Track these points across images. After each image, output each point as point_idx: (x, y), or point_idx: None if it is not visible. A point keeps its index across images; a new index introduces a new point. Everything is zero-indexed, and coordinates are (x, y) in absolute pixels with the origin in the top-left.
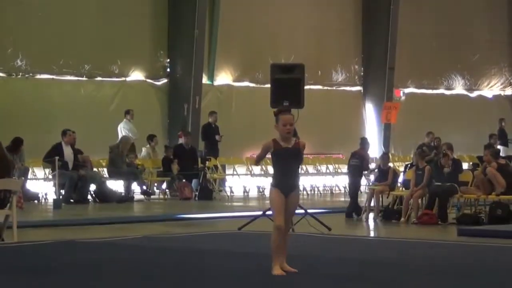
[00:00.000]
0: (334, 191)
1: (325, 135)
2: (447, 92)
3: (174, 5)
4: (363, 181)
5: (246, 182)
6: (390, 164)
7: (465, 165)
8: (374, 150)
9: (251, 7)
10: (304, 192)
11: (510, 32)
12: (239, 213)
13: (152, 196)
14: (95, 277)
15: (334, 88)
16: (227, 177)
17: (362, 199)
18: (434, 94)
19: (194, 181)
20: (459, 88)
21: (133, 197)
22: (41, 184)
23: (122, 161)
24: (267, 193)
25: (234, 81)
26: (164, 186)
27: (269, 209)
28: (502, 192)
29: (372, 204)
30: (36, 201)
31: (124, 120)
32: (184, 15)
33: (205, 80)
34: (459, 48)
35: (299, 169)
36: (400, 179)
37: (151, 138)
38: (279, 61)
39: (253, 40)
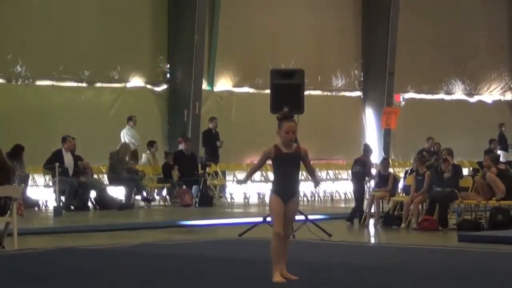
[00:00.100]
0: (334, 197)
1: (325, 140)
2: (447, 97)
3: (174, 11)
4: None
5: (246, 188)
6: (390, 170)
7: (465, 171)
8: (374, 156)
9: (251, 13)
10: (304, 198)
11: (509, 37)
12: (239, 220)
13: (152, 203)
14: (95, 284)
15: (334, 93)
16: (227, 183)
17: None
18: (434, 99)
19: (194, 188)
20: (459, 93)
21: (134, 204)
22: (42, 191)
23: (122, 167)
24: (267, 199)
25: (234, 86)
26: (164, 192)
27: (269, 216)
28: (503, 198)
29: (372, 210)
30: (36, 208)
31: (127, 126)
32: (184, 21)
33: (205, 86)
34: (459, 53)
35: (300, 175)
36: (400, 185)
37: (151, 144)
38: (279, 67)
39: (253, 46)
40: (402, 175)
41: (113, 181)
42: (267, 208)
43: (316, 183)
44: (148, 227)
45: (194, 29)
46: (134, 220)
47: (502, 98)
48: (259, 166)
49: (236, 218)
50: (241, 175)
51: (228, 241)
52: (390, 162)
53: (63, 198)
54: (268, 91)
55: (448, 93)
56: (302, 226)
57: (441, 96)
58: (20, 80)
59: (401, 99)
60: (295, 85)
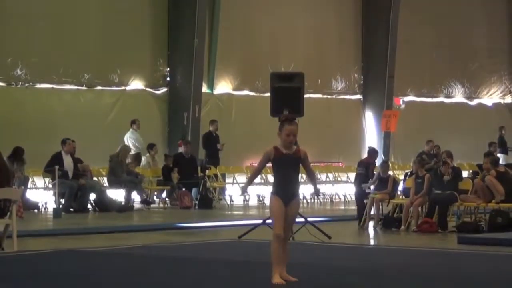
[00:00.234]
0: (334, 200)
1: (325, 143)
2: (447, 100)
3: (174, 14)
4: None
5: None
6: (390, 172)
7: (464, 173)
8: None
9: (251, 16)
10: (304, 201)
11: (509, 40)
12: (239, 222)
13: (152, 205)
14: (95, 286)
15: (334, 96)
16: (227, 185)
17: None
18: (434, 102)
19: (194, 190)
20: (458, 96)
21: (133, 206)
22: (41, 193)
23: (122, 170)
24: (267, 201)
25: (234, 89)
26: (164, 195)
27: (269, 218)
28: (502, 200)
29: (372, 212)
30: (36, 210)
31: (130, 130)
32: (183, 24)
33: (205, 89)
34: (459, 56)
35: (300, 177)
36: (400, 187)
37: (150, 147)
38: (279, 70)
39: (253, 49)
40: (401, 177)
41: (113, 183)
42: (267, 210)
43: (316, 191)
44: (147, 229)
45: (194, 32)
46: (134, 222)
47: (502, 101)
48: (259, 170)
49: (235, 220)
50: (241, 178)
51: (227, 243)
52: (390, 164)
53: (62, 200)
54: (268, 94)
55: (448, 96)
56: (302, 228)
57: (441, 99)
58: (20, 83)
59: (401, 102)
60: (295, 88)
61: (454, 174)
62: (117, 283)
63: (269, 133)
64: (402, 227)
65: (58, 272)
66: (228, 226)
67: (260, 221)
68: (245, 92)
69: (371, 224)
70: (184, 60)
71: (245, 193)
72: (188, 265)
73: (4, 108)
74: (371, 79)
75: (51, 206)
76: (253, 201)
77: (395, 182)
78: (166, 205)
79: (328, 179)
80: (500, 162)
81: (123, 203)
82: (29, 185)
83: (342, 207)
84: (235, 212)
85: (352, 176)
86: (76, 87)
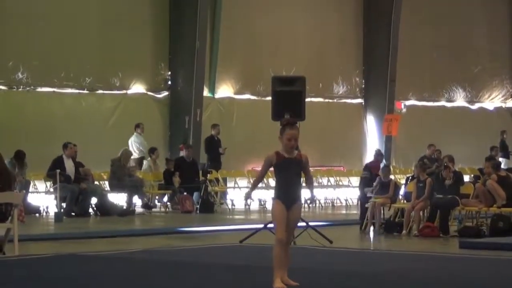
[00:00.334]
0: (335, 204)
1: (326, 147)
2: (448, 104)
3: (175, 18)
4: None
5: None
6: (391, 177)
7: (466, 178)
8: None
9: (252, 20)
10: (305, 205)
11: (511, 44)
12: (240, 226)
13: (153, 209)
14: None
15: (335, 100)
16: (228, 190)
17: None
18: (435, 106)
19: (195, 194)
20: (460, 100)
21: (134, 210)
22: (42, 197)
23: (124, 174)
24: (268, 205)
25: (235, 93)
26: (165, 199)
27: (270, 222)
28: (504, 205)
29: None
30: (37, 215)
31: (135, 133)
32: (185, 27)
33: (206, 92)
34: (460, 60)
35: (301, 182)
36: (402, 191)
37: (152, 151)
38: (280, 74)
39: (254, 53)
40: (403, 181)
41: (115, 187)
42: (268, 214)
43: (312, 197)
44: (149, 234)
45: (195, 36)
46: (135, 227)
47: (503, 105)
48: (262, 175)
49: (237, 224)
50: (242, 182)
51: (229, 247)
52: (392, 169)
53: (64, 204)
54: (269, 98)
55: (450, 100)
56: (303, 232)
57: (442, 103)
58: (21, 87)
59: (402, 106)
60: (296, 92)
61: (455, 179)
62: (118, 287)
63: (271, 137)
64: (404, 231)
65: (59, 277)
66: (230, 231)
67: (262, 226)
68: (247, 96)
69: (372, 228)
70: (185, 64)
71: (249, 198)
72: (189, 269)
73: (5, 112)
74: (372, 83)
75: (53, 210)
76: (254, 206)
77: (397, 186)
78: (167, 209)
79: (329, 183)
80: (502, 166)
81: (124, 207)
82: (31, 189)
83: (344, 212)
84: (237, 217)
85: (353, 180)
86: (77, 91)
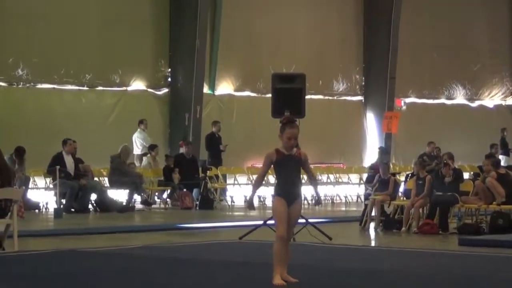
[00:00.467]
0: (335, 201)
1: (326, 144)
2: (448, 102)
3: (176, 15)
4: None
5: (247, 191)
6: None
7: (466, 175)
8: (374, 160)
9: (252, 17)
10: (305, 202)
11: (511, 42)
12: (240, 223)
13: (152, 206)
14: (95, 287)
15: (335, 97)
16: (228, 186)
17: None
18: (435, 103)
19: (195, 191)
20: (460, 97)
21: (134, 206)
22: (42, 194)
23: (123, 170)
24: (268, 202)
25: (235, 90)
26: (165, 195)
27: (270, 219)
28: (503, 202)
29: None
30: (37, 211)
31: (138, 130)
32: (185, 24)
33: (206, 89)
34: (460, 57)
35: (301, 179)
36: (401, 188)
37: (151, 147)
38: (280, 71)
39: (254, 50)
40: (402, 179)
41: (115, 183)
42: (268, 211)
43: (318, 200)
44: (148, 230)
45: (196, 33)
46: (135, 223)
47: (503, 103)
48: (263, 175)
49: (236, 221)
50: (241, 179)
51: (228, 244)
52: (391, 166)
53: (63, 200)
54: (269, 95)
55: (449, 97)
56: (303, 229)
57: (442, 100)
58: (21, 83)
59: (402, 104)
60: (296, 89)
61: (455, 176)
62: (118, 283)
63: (270, 134)
64: (403, 228)
65: (59, 272)
66: (229, 227)
67: (261, 222)
68: (246, 93)
69: (372, 225)
70: (185, 61)
71: (252, 208)
72: (188, 265)
73: (5, 108)
74: (372, 80)
75: (52, 206)
76: (254, 202)
77: (396, 183)
78: (167, 206)
79: (329, 180)
80: (502, 163)
81: (124, 204)
82: (30, 185)
83: (343, 208)
84: (236, 213)
85: (353, 177)
86: (77, 88)
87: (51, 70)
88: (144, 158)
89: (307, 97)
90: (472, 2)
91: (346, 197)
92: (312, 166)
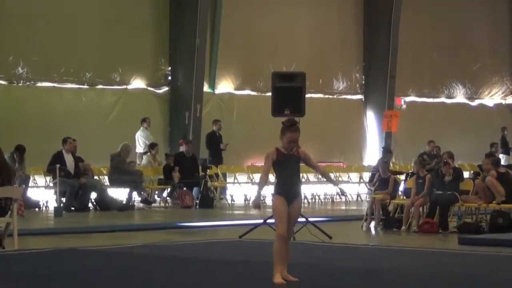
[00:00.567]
0: (335, 200)
1: (326, 143)
2: (448, 101)
3: (176, 13)
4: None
5: (247, 190)
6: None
7: (466, 174)
8: (375, 159)
9: (252, 16)
10: (305, 201)
11: (511, 41)
12: (240, 221)
13: (152, 204)
14: (95, 285)
15: (335, 96)
16: (228, 185)
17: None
18: (435, 102)
19: (195, 189)
20: (460, 96)
21: (134, 205)
22: (42, 192)
23: (124, 168)
24: (267, 201)
25: (235, 89)
26: (165, 194)
27: (270, 217)
28: (503, 201)
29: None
30: (37, 209)
31: (141, 128)
32: (185, 23)
33: (206, 88)
34: (460, 56)
35: (301, 178)
36: (401, 187)
37: (152, 146)
38: (280, 70)
39: (254, 49)
40: (403, 177)
41: (115, 182)
42: (268, 210)
43: (341, 190)
44: (148, 229)
45: (196, 31)
46: (135, 222)
47: (503, 102)
48: (266, 174)
49: (236, 220)
50: (241, 177)
51: (228, 242)
52: (391, 165)
53: (63, 199)
54: (269, 94)
55: (449, 96)
56: (303, 228)
57: (442, 99)
58: (22, 81)
59: (402, 102)
60: (296, 88)
61: (455, 175)
62: (118, 282)
63: (271, 133)
64: (403, 227)
65: (59, 271)
66: (229, 226)
67: (261, 221)
68: (247, 92)
69: (372, 224)
70: (185, 59)
71: (258, 208)
72: (188, 264)
73: (5, 107)
74: (372, 79)
75: (52, 204)
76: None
77: (396, 182)
78: (167, 204)
79: None
80: (502, 162)
81: (124, 202)
82: (30, 183)
83: (343, 207)
84: (236, 212)
85: (353, 176)
86: (77, 86)
87: (51, 68)
88: (144, 157)
89: (307, 95)
90: (472, 2)
91: (346, 195)
92: (316, 162)
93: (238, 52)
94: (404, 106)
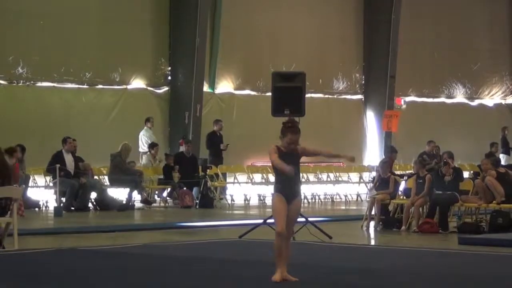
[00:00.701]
0: (335, 200)
1: (326, 143)
2: (448, 101)
3: (176, 13)
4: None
5: (247, 190)
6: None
7: (465, 174)
8: (375, 159)
9: (252, 16)
10: (305, 201)
11: (511, 41)
12: (239, 221)
13: (152, 204)
14: (95, 285)
15: (335, 96)
16: (228, 185)
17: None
18: (435, 102)
19: (195, 189)
20: (459, 96)
21: (134, 205)
22: (42, 192)
23: (124, 168)
24: (267, 201)
25: (235, 89)
26: (164, 194)
27: (270, 217)
28: (503, 201)
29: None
30: (36, 209)
31: (145, 127)
32: (185, 23)
33: (206, 88)
34: (460, 56)
35: (300, 177)
36: (401, 187)
37: (151, 146)
38: (280, 70)
39: (254, 49)
40: (405, 177)
41: (115, 182)
42: (268, 210)
43: (350, 157)
44: (148, 229)
45: (196, 31)
46: (134, 221)
47: (503, 101)
48: (278, 157)
49: (236, 219)
50: (241, 177)
51: (228, 242)
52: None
53: (63, 199)
54: (269, 93)
55: (449, 96)
56: (303, 228)
57: (442, 99)
58: (21, 81)
59: (402, 102)
60: (296, 88)
61: (455, 175)
62: (118, 282)
63: (270, 133)
64: (403, 227)
65: (59, 271)
66: (229, 226)
67: (261, 221)
68: (247, 92)
69: (371, 224)
70: (185, 59)
71: (292, 169)
72: (188, 264)
73: (5, 107)
74: (372, 79)
75: (52, 204)
76: (254, 201)
77: (396, 182)
78: (167, 204)
79: (329, 179)
80: (503, 162)
81: (123, 202)
82: (30, 183)
83: (343, 207)
84: (236, 212)
85: (352, 176)
86: (77, 86)
87: (51, 68)
88: (144, 156)
89: (307, 95)
90: (472, 2)
91: (346, 196)
92: (312, 165)
93: (238, 52)
94: (404, 106)
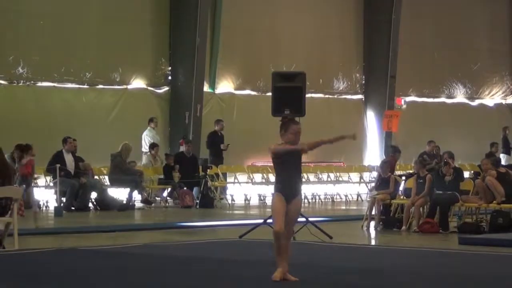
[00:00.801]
0: (335, 200)
1: None
2: (448, 101)
3: (176, 13)
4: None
5: (247, 190)
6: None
7: (466, 174)
8: (376, 159)
9: (252, 16)
10: (306, 200)
11: (511, 41)
12: (240, 221)
13: (153, 204)
14: (95, 285)
15: (336, 96)
16: (228, 185)
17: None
18: (435, 102)
19: (195, 189)
20: (460, 96)
21: (134, 205)
22: (42, 192)
23: (124, 168)
24: (268, 201)
25: (235, 89)
26: (165, 194)
27: (270, 217)
28: (503, 201)
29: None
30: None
31: (148, 127)
32: (185, 23)
33: (206, 88)
34: (460, 56)
35: (301, 176)
36: (401, 187)
37: (152, 146)
38: (280, 70)
39: (254, 49)
40: (403, 177)
41: (116, 182)
42: (268, 209)
43: (352, 135)
44: (148, 228)
45: (196, 31)
46: (135, 221)
47: (503, 101)
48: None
49: (236, 219)
50: (242, 177)
51: (228, 242)
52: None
53: (64, 199)
54: (269, 93)
55: (450, 96)
56: (303, 228)
57: (442, 99)
58: (22, 81)
59: (403, 102)
60: (296, 88)
61: (455, 175)
62: (118, 281)
63: (271, 133)
64: (403, 227)
65: (59, 271)
66: (229, 226)
67: (261, 221)
68: (247, 92)
69: (372, 224)
70: (185, 59)
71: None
72: (188, 264)
73: (6, 107)
74: (372, 79)
75: (52, 204)
76: (254, 201)
77: (396, 182)
78: (167, 204)
79: (329, 179)
80: (503, 162)
81: (124, 202)
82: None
83: (344, 207)
84: (236, 212)
85: (353, 176)
86: (77, 86)
87: (52, 68)
88: (144, 156)
89: (307, 95)
90: (472, 2)
91: (346, 196)
92: (312, 165)
93: (238, 52)
94: (404, 106)
